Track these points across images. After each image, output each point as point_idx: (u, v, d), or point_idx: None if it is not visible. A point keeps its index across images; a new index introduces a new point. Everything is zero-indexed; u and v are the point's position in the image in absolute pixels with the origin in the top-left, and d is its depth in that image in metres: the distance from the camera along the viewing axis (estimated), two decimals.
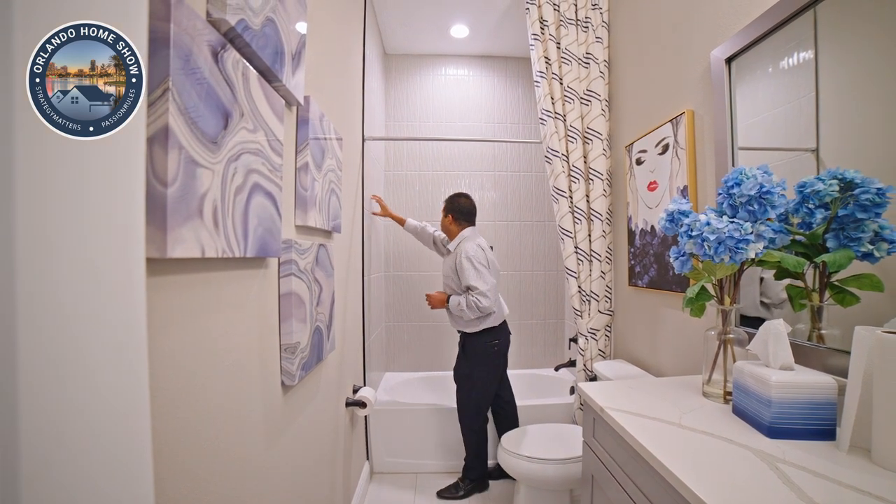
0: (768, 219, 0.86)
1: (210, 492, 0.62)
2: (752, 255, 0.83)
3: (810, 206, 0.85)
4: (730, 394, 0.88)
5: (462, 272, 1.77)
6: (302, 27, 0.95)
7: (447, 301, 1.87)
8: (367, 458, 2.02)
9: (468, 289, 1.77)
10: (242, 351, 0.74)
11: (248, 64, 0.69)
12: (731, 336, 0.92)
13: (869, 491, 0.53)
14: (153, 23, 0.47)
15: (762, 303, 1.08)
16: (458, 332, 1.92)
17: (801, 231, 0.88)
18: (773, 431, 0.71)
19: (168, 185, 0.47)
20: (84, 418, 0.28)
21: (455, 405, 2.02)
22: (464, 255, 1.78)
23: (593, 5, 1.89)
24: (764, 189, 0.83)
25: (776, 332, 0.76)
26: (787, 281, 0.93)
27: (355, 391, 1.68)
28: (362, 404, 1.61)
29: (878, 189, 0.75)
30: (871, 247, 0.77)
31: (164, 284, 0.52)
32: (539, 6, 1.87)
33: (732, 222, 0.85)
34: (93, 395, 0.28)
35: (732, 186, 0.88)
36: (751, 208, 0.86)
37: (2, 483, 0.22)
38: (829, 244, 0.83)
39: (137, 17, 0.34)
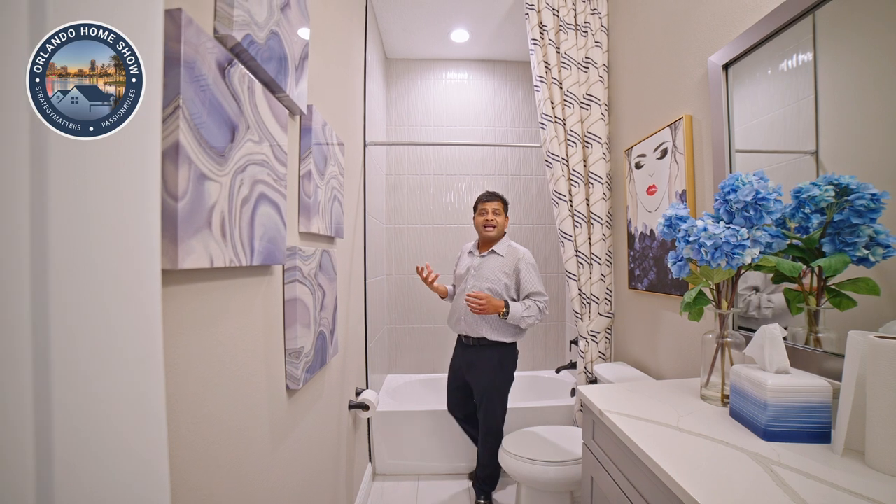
0: (765, 224, 0.88)
1: (217, 493, 0.63)
2: (749, 261, 0.84)
3: (806, 211, 0.86)
4: (727, 397, 0.89)
5: (528, 278, 1.73)
6: (305, 36, 0.97)
7: (505, 307, 1.66)
8: (370, 460, 2.03)
9: (529, 295, 1.72)
10: (248, 356, 0.75)
11: (253, 77, 0.71)
12: (728, 339, 0.93)
13: (862, 493, 0.55)
14: (165, 43, 0.48)
15: None
16: (490, 342, 1.74)
17: (798, 235, 0.90)
18: (768, 434, 0.72)
19: (179, 199, 0.49)
20: (106, 424, 0.29)
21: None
22: (527, 261, 1.74)
23: (592, 10, 1.90)
24: (760, 195, 0.85)
25: (772, 337, 0.77)
26: (784, 285, 0.95)
27: (358, 394, 1.69)
28: (365, 407, 1.62)
29: (873, 194, 0.77)
30: (866, 251, 0.78)
31: (174, 294, 0.53)
32: (538, 11, 1.89)
33: (729, 228, 0.86)
34: (114, 403, 0.30)
35: (729, 192, 0.90)
36: (747, 214, 0.87)
37: (39, 483, 0.24)
38: (826, 249, 0.84)
39: (153, 37, 0.36)
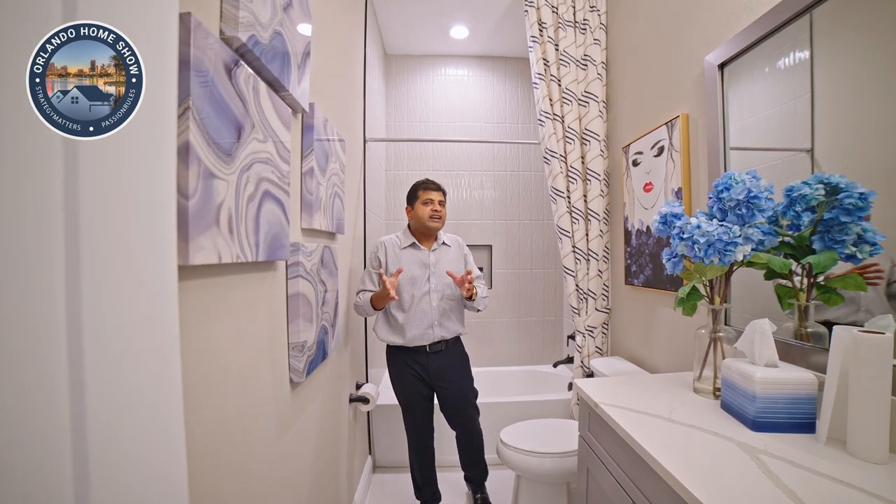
0: (757, 222, 0.90)
1: (224, 482, 0.66)
2: (740, 257, 0.87)
3: (797, 209, 0.88)
4: (719, 390, 0.92)
5: (473, 264, 1.70)
6: (307, 35, 0.98)
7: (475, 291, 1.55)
8: (370, 453, 2.07)
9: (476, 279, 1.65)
10: (253, 350, 0.78)
11: (258, 77, 0.72)
12: (720, 334, 0.96)
13: (841, 479, 0.58)
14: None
15: None
16: (458, 338, 1.68)
17: (790, 233, 0.92)
18: (756, 425, 0.75)
19: (189, 198, 0.51)
20: (130, 410, 0.32)
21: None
22: (466, 248, 1.75)
23: (591, 7, 1.91)
24: (752, 194, 0.87)
25: (761, 331, 0.80)
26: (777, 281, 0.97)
27: (358, 387, 1.72)
28: (365, 400, 1.65)
29: (861, 193, 0.79)
30: (854, 249, 0.81)
31: (184, 289, 0.55)
32: (538, 8, 1.89)
33: (722, 226, 0.88)
34: (136, 392, 0.32)
35: (722, 191, 0.92)
36: (739, 212, 0.89)
37: (75, 467, 0.26)
38: (816, 246, 0.86)
39: (164, 40, 0.37)
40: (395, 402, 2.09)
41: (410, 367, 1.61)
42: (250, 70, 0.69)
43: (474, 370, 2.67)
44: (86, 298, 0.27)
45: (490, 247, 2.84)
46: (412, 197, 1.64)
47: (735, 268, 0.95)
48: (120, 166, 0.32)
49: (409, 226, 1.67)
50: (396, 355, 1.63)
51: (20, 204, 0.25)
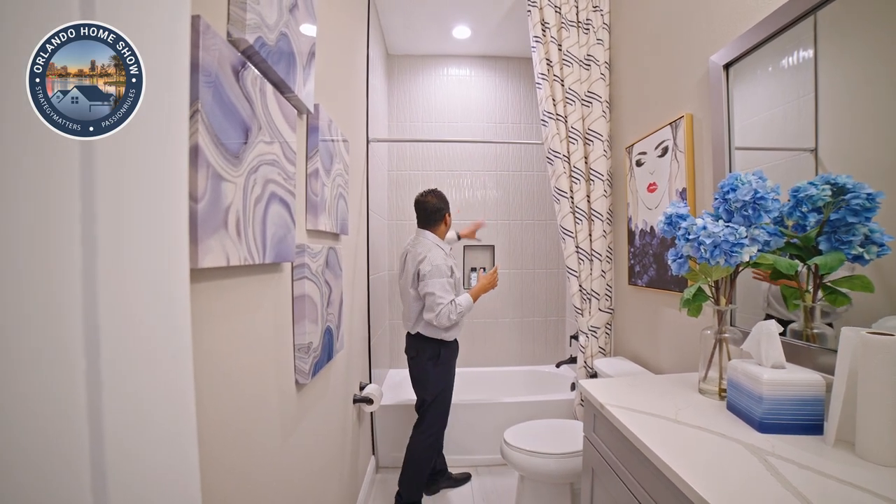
0: (763, 223, 0.89)
1: (229, 483, 0.66)
2: (747, 258, 0.86)
3: (803, 209, 0.88)
4: (724, 391, 0.92)
5: None
6: (312, 37, 0.99)
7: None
8: (374, 453, 2.07)
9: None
10: (259, 352, 0.78)
11: (264, 79, 0.72)
12: (726, 335, 0.95)
13: (850, 481, 0.57)
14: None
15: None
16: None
17: (796, 234, 0.92)
18: (764, 426, 0.75)
19: (198, 201, 0.51)
20: (145, 413, 0.32)
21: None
22: None
23: (594, 7, 1.91)
24: (758, 195, 0.86)
25: (768, 332, 0.80)
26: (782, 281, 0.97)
27: (362, 388, 1.72)
28: (369, 401, 1.65)
29: (868, 194, 0.79)
30: (861, 249, 0.80)
31: (193, 291, 0.55)
32: (540, 8, 1.89)
33: (728, 226, 0.88)
34: (152, 395, 0.32)
35: (728, 192, 0.91)
36: (745, 213, 0.89)
37: (93, 465, 0.26)
38: (822, 247, 0.86)
39: (179, 46, 0.37)
40: (397, 402, 2.10)
41: (454, 357, 1.84)
42: (257, 72, 0.69)
43: (476, 370, 2.70)
44: (102, 301, 0.27)
45: (493, 247, 2.84)
46: (448, 212, 1.82)
47: (741, 269, 0.95)
48: (119, 166, 0.31)
49: (432, 230, 1.79)
50: (447, 348, 1.80)
51: (22, 206, 0.24)
